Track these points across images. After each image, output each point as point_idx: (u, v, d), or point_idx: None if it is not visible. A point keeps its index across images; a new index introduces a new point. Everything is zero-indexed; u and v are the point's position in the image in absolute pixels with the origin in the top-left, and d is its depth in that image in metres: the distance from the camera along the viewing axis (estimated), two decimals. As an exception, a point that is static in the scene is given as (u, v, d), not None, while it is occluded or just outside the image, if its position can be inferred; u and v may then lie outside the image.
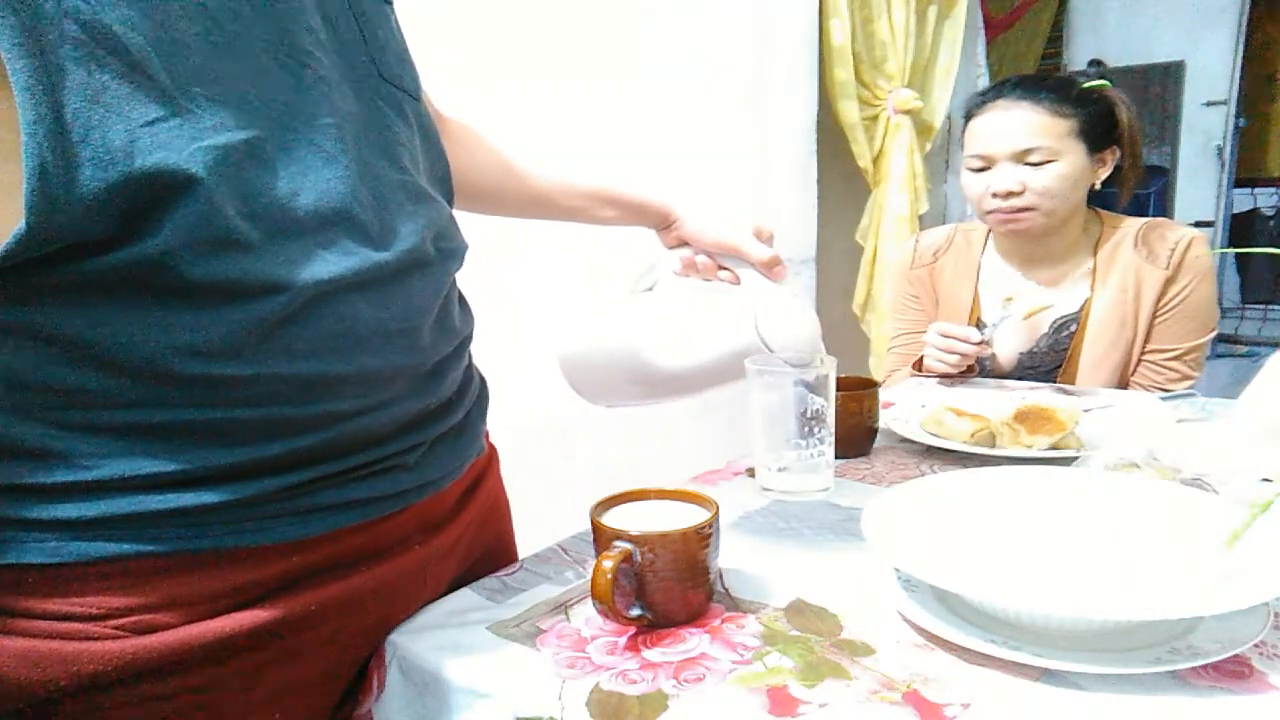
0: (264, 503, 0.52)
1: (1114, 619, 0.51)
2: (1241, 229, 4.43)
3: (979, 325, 1.39)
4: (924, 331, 1.45)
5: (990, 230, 1.42)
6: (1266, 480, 0.75)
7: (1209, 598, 0.51)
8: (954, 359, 1.26)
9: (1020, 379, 1.37)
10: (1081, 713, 0.48)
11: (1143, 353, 1.29)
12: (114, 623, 0.49)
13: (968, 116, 1.34)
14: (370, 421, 0.56)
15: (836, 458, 0.85)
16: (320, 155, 0.51)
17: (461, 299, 0.71)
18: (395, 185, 0.57)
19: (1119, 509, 0.64)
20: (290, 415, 0.51)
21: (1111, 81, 1.31)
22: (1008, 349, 1.38)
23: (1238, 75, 4.18)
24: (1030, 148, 1.24)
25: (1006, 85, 1.29)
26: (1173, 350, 1.28)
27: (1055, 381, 1.34)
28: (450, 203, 0.67)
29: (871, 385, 0.95)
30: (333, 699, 0.60)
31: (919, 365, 1.37)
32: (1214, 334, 1.31)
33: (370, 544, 0.59)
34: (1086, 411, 0.98)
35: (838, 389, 0.83)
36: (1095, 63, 1.26)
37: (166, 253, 0.44)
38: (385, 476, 0.59)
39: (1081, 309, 1.33)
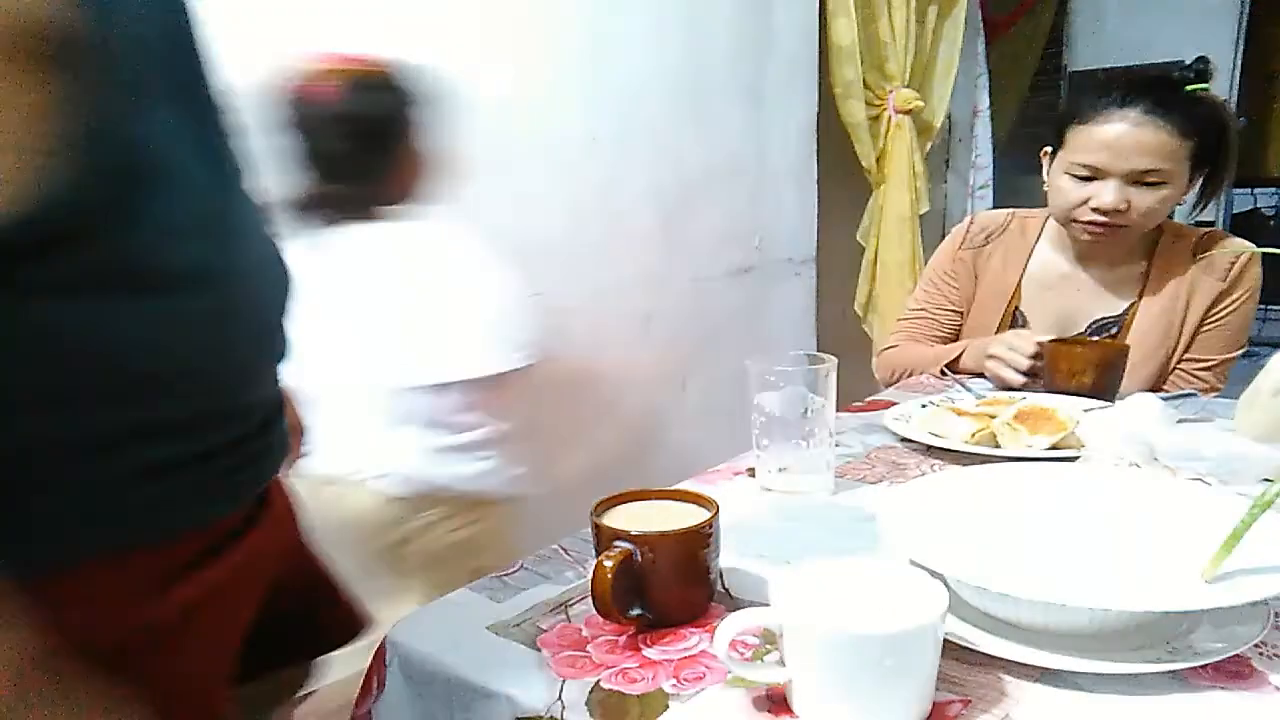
0: None
1: (1114, 610, 0.51)
2: (1241, 229, 4.43)
3: (1016, 315, 1.36)
4: (946, 311, 1.42)
5: (1046, 220, 1.37)
6: (1266, 480, 0.75)
7: (1209, 595, 0.51)
8: (1009, 374, 1.20)
9: None
10: (1081, 713, 0.48)
11: (1178, 361, 1.28)
12: None
13: (1078, 118, 1.21)
14: None
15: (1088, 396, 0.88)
16: None
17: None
18: None
19: (1120, 507, 0.64)
20: None
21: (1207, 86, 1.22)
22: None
23: (1238, 75, 4.19)
24: (1150, 169, 1.16)
25: (1133, 95, 1.17)
26: (1207, 361, 1.27)
27: None
28: None
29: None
30: None
31: (955, 367, 1.33)
32: (1243, 350, 1.29)
33: None
34: (1086, 411, 0.98)
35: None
36: (1203, 60, 1.11)
37: None
38: None
39: (1126, 313, 1.29)
